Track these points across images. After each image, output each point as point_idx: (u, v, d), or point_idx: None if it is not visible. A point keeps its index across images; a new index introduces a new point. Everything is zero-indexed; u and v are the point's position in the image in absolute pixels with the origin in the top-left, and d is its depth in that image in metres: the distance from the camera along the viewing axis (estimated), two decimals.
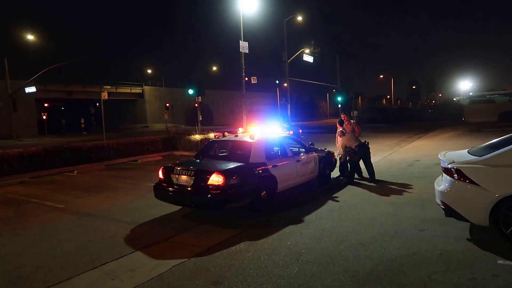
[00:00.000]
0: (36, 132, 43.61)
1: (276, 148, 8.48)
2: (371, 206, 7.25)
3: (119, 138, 16.73)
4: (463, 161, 5.33)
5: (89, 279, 4.60)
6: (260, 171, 7.11)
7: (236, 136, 8.52)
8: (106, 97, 20.80)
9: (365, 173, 9.89)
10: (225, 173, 6.49)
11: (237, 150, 7.98)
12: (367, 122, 38.76)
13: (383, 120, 42.89)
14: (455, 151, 6.25)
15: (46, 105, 55.19)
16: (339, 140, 10.32)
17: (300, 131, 21.12)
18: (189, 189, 6.66)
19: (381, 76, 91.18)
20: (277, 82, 44.61)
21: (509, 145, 5.11)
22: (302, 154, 8.64)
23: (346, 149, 9.82)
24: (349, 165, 9.85)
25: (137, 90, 57.95)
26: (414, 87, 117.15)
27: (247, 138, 7.89)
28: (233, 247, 5.32)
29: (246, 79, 25.57)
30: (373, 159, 10.40)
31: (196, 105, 21.35)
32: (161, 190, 7.10)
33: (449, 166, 5.32)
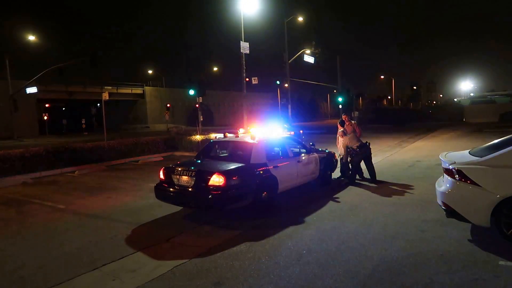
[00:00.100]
0: (37, 133, 43.62)
1: (277, 149, 8.47)
2: (372, 207, 7.25)
3: (120, 139, 16.75)
4: (464, 162, 5.32)
5: (90, 279, 4.60)
6: (261, 172, 7.11)
7: (237, 136, 8.52)
8: (107, 98, 20.78)
9: (366, 174, 9.89)
10: (226, 173, 6.49)
11: (238, 151, 7.98)
12: (368, 123, 38.71)
13: (383, 120, 42.84)
14: (456, 151, 6.23)
15: (47, 105, 55.27)
16: (340, 140, 10.33)
17: (301, 131, 21.10)
18: (190, 189, 6.66)
19: (382, 77, 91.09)
20: (278, 82, 44.54)
21: (510, 145, 5.10)
22: (303, 154, 8.64)
23: (348, 150, 9.82)
24: (350, 166, 9.85)
25: (138, 90, 57.95)
26: (414, 87, 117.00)
27: (248, 139, 7.90)
28: (234, 248, 5.32)
29: (247, 79, 25.56)
30: (374, 160, 10.40)
31: (197, 105, 21.33)
32: (162, 191, 7.10)
33: (450, 167, 5.32)
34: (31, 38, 36.86)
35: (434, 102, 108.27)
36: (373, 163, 9.90)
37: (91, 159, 14.28)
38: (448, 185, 5.36)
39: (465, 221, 5.25)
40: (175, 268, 4.76)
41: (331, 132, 17.48)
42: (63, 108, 62.53)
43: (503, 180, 4.93)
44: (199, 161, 7.87)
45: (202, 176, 6.61)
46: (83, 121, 46.66)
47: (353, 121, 10.96)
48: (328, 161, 9.63)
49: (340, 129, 10.36)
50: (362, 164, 9.84)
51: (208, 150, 8.41)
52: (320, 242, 5.44)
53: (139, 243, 5.71)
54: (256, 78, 30.82)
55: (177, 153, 17.61)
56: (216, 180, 6.41)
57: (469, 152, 5.75)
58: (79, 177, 12.33)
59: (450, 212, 5.33)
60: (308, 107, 79.36)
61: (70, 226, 6.84)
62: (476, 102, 50.22)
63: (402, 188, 8.77)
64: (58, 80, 43.18)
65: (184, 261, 4.95)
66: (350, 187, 9.17)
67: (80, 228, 6.69)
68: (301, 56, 34.65)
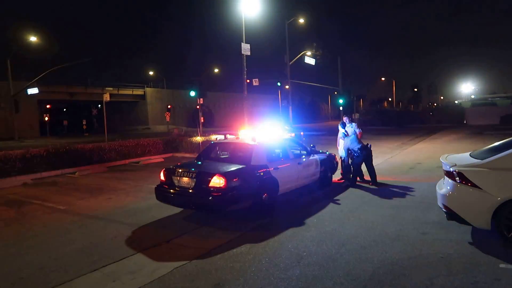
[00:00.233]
0: (38, 133, 43.70)
1: (277, 151, 8.47)
2: (372, 209, 7.24)
3: (120, 140, 16.74)
4: (465, 164, 5.31)
5: (90, 281, 4.60)
6: (262, 174, 7.11)
7: (238, 138, 8.52)
8: (108, 99, 20.89)
9: (366, 176, 9.88)
10: (226, 175, 6.49)
11: (238, 152, 7.98)
12: (369, 125, 38.73)
13: (384, 122, 42.85)
14: (457, 154, 6.23)
15: (48, 106, 55.44)
16: (341, 142, 10.32)
17: (302, 133, 21.11)
18: (190, 191, 6.66)
19: (383, 79, 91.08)
20: (278, 84, 44.51)
21: (511, 148, 5.10)
22: (303, 156, 8.64)
23: (348, 152, 9.81)
24: (351, 168, 9.84)
25: (139, 91, 58.04)
26: (415, 89, 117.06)
27: (248, 140, 7.90)
28: (235, 250, 5.32)
29: (248, 81, 25.55)
30: (375, 162, 10.39)
31: (198, 107, 21.36)
32: (162, 192, 7.10)
33: (451, 169, 5.31)
34: (33, 39, 36.90)
35: (435, 104, 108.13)
36: (373, 165, 9.89)
37: (91, 160, 14.28)
38: (449, 188, 5.35)
39: (465, 224, 5.24)
40: (175, 269, 4.75)
41: (332, 133, 17.47)
42: (64, 109, 62.72)
43: (504, 183, 4.93)
44: (199, 162, 7.87)
45: (202, 178, 6.61)
46: (84, 122, 46.79)
47: (354, 123, 10.94)
48: (329, 163, 9.63)
49: (341, 131, 10.35)
50: (363, 166, 9.84)
51: (209, 151, 8.42)
52: (321, 244, 5.43)
53: (139, 245, 5.71)
54: (257, 79, 30.81)
55: (178, 155, 17.62)
56: (217, 181, 6.41)
57: (470, 155, 5.75)
58: (79, 178, 12.34)
59: (451, 215, 5.32)
60: (309, 109, 79.47)
61: (71, 227, 6.84)
62: (477, 105, 50.22)
63: (402, 190, 8.76)
64: (60, 81, 43.30)
65: (184, 262, 4.95)
66: (350, 189, 9.16)
67: (80, 229, 6.69)
68: (302, 58, 34.69)
